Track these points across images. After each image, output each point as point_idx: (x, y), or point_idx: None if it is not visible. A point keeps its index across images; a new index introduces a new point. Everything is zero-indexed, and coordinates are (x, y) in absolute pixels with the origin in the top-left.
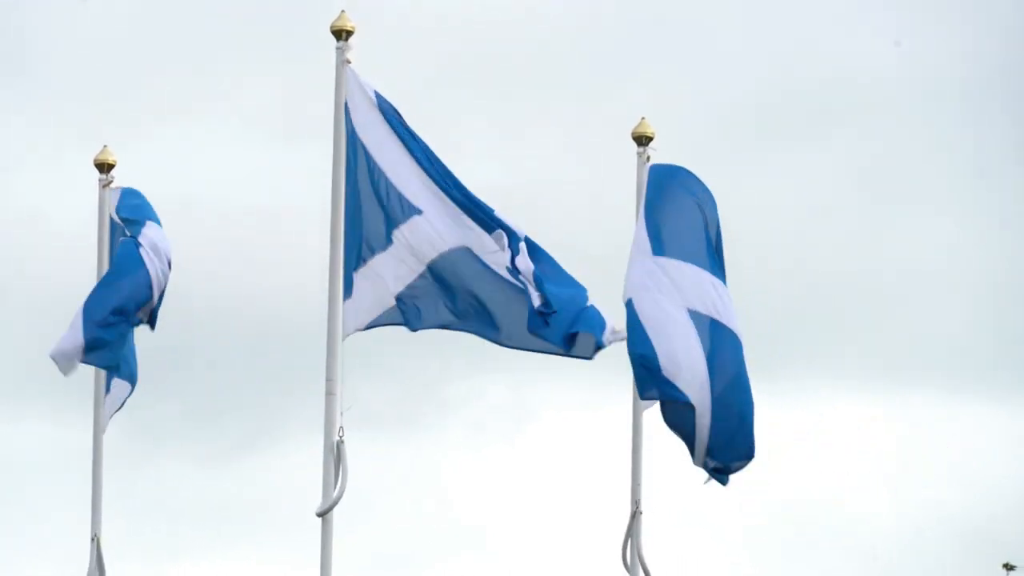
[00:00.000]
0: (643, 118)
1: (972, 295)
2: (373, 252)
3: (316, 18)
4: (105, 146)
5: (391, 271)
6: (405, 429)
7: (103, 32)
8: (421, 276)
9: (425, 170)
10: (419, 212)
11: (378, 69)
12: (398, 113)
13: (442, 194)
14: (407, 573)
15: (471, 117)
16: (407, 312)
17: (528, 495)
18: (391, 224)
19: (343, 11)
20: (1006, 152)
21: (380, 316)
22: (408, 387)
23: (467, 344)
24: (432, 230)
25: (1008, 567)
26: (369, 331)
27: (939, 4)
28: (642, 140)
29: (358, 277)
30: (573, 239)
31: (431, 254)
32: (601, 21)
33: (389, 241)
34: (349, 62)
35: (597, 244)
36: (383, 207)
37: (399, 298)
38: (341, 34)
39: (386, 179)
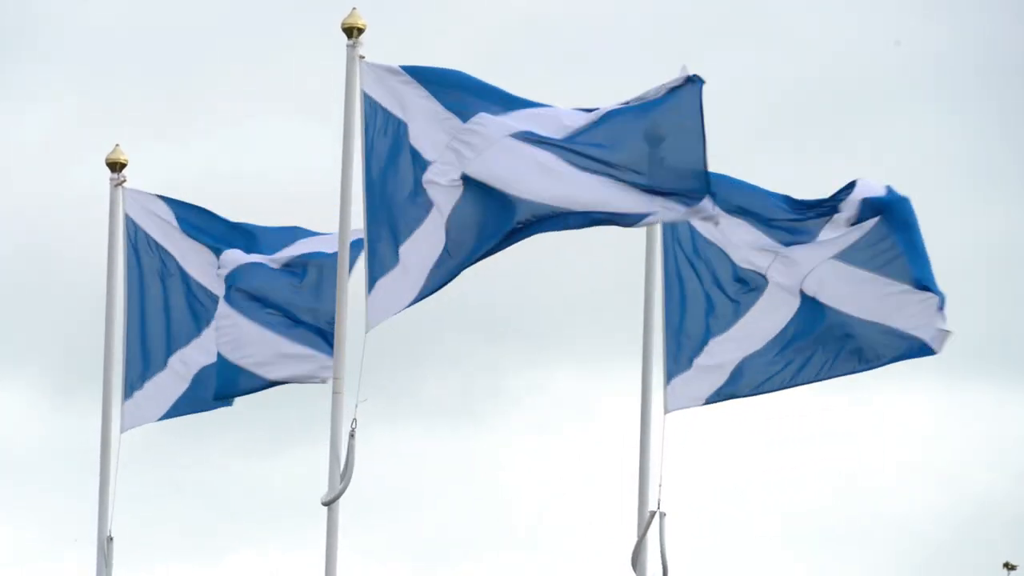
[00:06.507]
0: None
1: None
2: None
3: (328, 15)
4: (117, 145)
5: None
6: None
7: (110, 32)
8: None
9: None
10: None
11: None
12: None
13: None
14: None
15: None
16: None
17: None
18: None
19: (354, 8)
20: (1006, 151)
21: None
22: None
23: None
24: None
25: (1009, 566)
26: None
27: (939, 4)
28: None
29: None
30: (580, 234)
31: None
32: (607, 20)
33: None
34: (363, 57)
35: (604, 240)
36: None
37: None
38: (352, 31)
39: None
